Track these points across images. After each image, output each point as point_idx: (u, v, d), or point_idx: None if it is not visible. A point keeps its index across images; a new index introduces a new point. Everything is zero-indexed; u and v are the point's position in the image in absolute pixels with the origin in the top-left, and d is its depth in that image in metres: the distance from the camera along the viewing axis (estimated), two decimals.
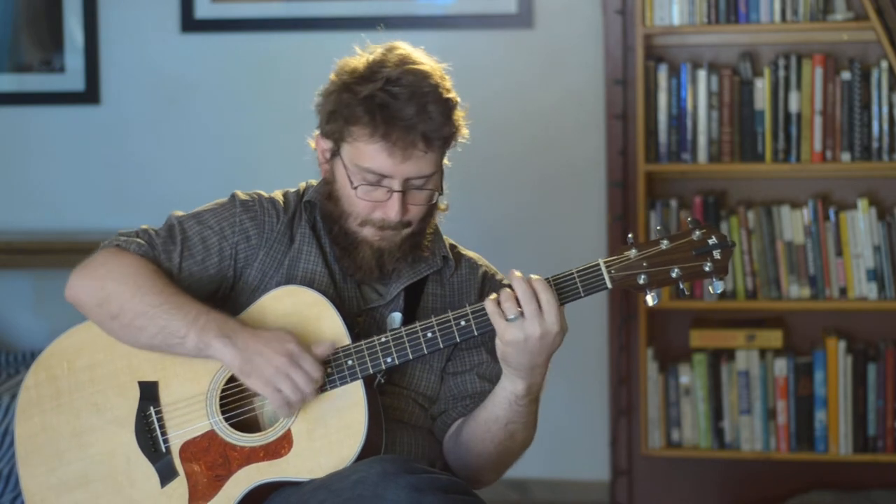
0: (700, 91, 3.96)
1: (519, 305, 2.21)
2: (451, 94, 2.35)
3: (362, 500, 2.12)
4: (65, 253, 4.19)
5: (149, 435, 2.35)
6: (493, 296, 2.24)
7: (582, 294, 2.25)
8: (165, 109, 4.39)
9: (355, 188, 2.33)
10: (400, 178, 2.31)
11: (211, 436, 2.32)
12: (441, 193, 2.39)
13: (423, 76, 2.32)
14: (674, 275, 2.24)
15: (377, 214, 2.34)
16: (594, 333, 4.22)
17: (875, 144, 3.90)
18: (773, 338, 3.99)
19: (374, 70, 2.33)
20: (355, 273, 2.40)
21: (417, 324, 2.29)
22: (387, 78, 2.31)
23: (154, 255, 2.40)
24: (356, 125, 2.31)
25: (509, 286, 2.24)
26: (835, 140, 3.92)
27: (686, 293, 2.28)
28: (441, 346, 2.28)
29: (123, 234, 2.44)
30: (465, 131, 2.38)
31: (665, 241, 2.25)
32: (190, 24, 4.34)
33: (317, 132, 2.42)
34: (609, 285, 2.25)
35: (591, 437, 4.27)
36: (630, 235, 2.28)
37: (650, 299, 2.25)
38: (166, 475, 2.33)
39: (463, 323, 2.26)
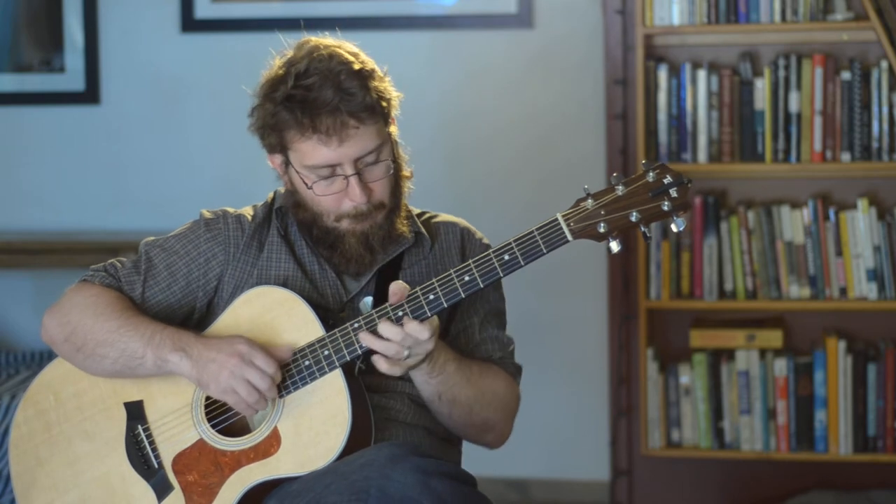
0: (700, 91, 3.96)
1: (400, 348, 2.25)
2: (364, 65, 2.35)
3: (369, 481, 2.12)
4: (65, 253, 4.19)
5: (140, 453, 2.37)
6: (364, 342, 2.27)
7: (545, 251, 2.26)
8: (165, 109, 4.39)
9: (310, 188, 2.34)
10: (348, 161, 2.32)
11: (200, 445, 2.33)
12: (395, 161, 2.39)
13: (330, 58, 2.33)
14: (633, 218, 2.23)
15: (346, 206, 2.35)
16: (594, 333, 4.23)
17: (875, 144, 3.90)
18: (773, 338, 3.99)
19: (284, 72, 2.35)
20: (347, 266, 2.41)
21: (388, 304, 2.29)
22: (296, 74, 2.32)
23: (118, 286, 2.44)
24: (287, 130, 2.33)
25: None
26: (835, 140, 3.92)
27: (649, 236, 2.25)
28: None
29: (92, 269, 2.48)
30: (393, 93, 2.38)
31: (620, 187, 2.24)
32: (190, 24, 4.34)
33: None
34: (570, 238, 2.26)
35: (591, 437, 4.27)
36: (586, 187, 2.28)
37: (614, 246, 2.24)
38: (162, 490, 2.35)
39: (432, 297, 2.27)
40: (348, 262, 2.40)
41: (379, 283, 2.41)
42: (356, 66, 2.33)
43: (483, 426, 2.44)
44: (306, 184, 2.35)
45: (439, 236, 2.49)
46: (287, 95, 2.32)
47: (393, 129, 2.39)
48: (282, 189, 2.50)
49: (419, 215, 2.52)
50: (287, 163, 2.38)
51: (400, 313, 2.27)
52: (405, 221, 2.44)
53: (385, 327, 2.25)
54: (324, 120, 2.30)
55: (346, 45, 2.37)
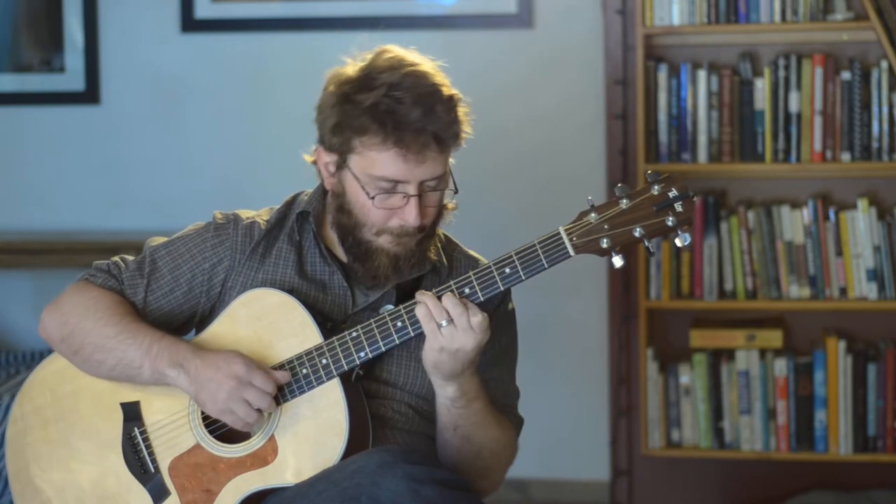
0: (700, 91, 3.96)
1: (450, 315, 2.22)
2: (453, 91, 2.32)
3: (360, 489, 2.11)
4: (65, 253, 4.19)
5: (136, 456, 2.36)
6: (423, 299, 2.23)
7: (546, 266, 2.22)
8: (165, 109, 4.39)
9: (373, 198, 2.29)
10: (415, 182, 2.28)
11: (197, 450, 2.32)
12: (456, 192, 2.36)
13: (423, 76, 2.29)
14: (637, 234, 2.20)
15: (394, 222, 2.30)
16: (594, 333, 4.22)
17: (875, 144, 3.90)
18: (773, 338, 3.99)
19: (371, 77, 2.29)
20: (369, 282, 2.37)
21: (386, 314, 2.27)
22: (388, 84, 2.27)
23: (120, 288, 2.42)
24: (365, 135, 2.27)
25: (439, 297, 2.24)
26: (835, 140, 3.92)
27: (652, 252, 2.22)
28: (412, 333, 2.27)
29: (96, 267, 2.46)
30: (468, 128, 2.35)
31: (625, 200, 2.20)
32: (190, 24, 4.34)
33: (315, 147, 2.39)
34: (572, 253, 2.22)
35: (591, 437, 4.27)
36: (590, 198, 2.24)
37: (617, 261, 2.21)
38: (158, 495, 2.34)
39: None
40: (373, 278, 2.35)
41: (399, 295, 2.37)
42: (446, 92, 2.30)
43: (483, 472, 2.41)
44: (367, 192, 2.29)
45: (458, 269, 2.45)
46: (376, 102, 2.26)
47: (451, 159, 2.36)
48: (305, 194, 2.47)
49: (446, 244, 2.48)
50: (343, 165, 2.32)
51: (399, 324, 2.25)
52: (434, 248, 2.41)
53: (447, 298, 2.22)
54: (409, 136, 2.25)
55: (434, 66, 2.33)
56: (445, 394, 2.30)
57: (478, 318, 2.22)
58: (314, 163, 2.40)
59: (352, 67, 2.33)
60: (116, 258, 2.47)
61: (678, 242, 2.21)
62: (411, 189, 2.28)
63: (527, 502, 4.32)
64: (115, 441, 2.37)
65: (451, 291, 2.24)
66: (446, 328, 2.22)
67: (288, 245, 2.42)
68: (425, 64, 2.32)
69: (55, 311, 2.41)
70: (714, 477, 4.14)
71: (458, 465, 2.38)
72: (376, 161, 2.27)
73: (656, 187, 2.21)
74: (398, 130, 2.25)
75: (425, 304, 2.23)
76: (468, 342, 2.22)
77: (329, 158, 2.34)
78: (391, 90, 2.26)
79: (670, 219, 2.20)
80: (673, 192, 2.20)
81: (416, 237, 2.33)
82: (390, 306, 2.35)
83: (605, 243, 2.21)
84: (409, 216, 2.29)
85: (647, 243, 2.21)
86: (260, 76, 4.36)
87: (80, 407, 2.40)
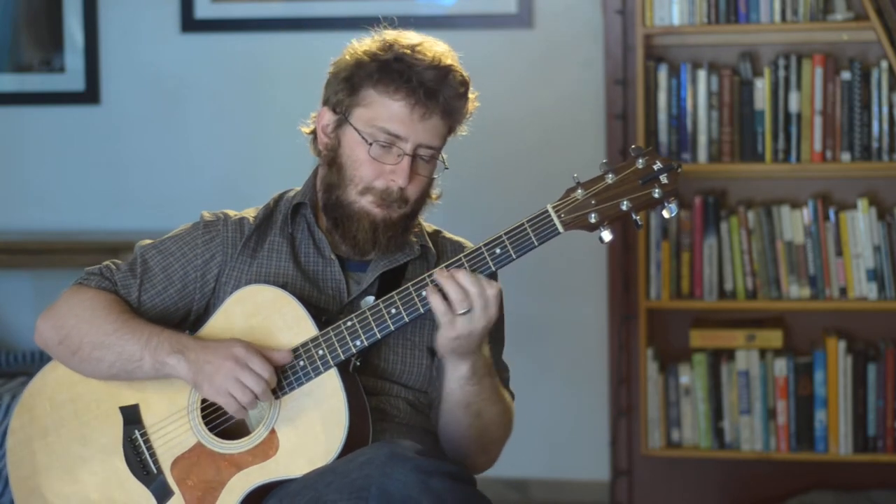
0: (700, 91, 3.96)
1: (467, 298, 2.22)
2: (467, 76, 2.39)
3: (370, 479, 2.11)
4: (65, 253, 4.19)
5: (138, 458, 2.36)
6: (442, 281, 2.23)
7: (536, 243, 2.25)
8: (165, 109, 4.39)
9: (370, 145, 2.32)
10: (413, 142, 2.32)
11: (199, 448, 2.32)
12: (446, 167, 2.40)
13: (442, 54, 2.36)
14: (624, 207, 2.23)
15: (380, 182, 2.34)
16: (594, 333, 4.22)
17: (875, 144, 3.90)
18: (773, 338, 3.99)
19: (392, 42, 2.36)
20: (349, 249, 2.39)
21: (380, 301, 2.28)
22: (409, 46, 2.34)
23: (114, 289, 2.43)
24: (379, 84, 2.33)
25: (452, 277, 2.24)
26: (835, 140, 3.92)
27: (640, 224, 2.24)
28: (406, 319, 2.28)
29: (87, 272, 2.47)
30: (470, 114, 2.41)
31: (610, 175, 2.24)
32: (190, 24, 4.34)
33: (314, 114, 2.44)
34: (561, 230, 2.25)
35: (591, 437, 4.27)
36: (575, 175, 2.27)
37: (606, 235, 2.24)
38: (162, 496, 2.34)
39: (424, 293, 2.26)
40: (352, 244, 2.38)
41: (381, 287, 2.39)
42: (460, 73, 2.37)
43: (488, 446, 2.44)
44: (366, 140, 2.33)
45: (445, 254, 2.48)
46: (396, 57, 2.32)
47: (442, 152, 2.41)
48: (293, 191, 2.49)
49: (431, 232, 2.51)
50: (344, 122, 2.36)
51: (393, 310, 2.26)
52: (416, 233, 2.44)
53: (463, 274, 2.23)
54: (421, 92, 2.31)
55: (449, 50, 2.40)
56: (459, 373, 2.32)
57: (493, 290, 2.24)
58: (311, 133, 2.45)
59: (372, 39, 2.39)
60: (107, 262, 2.48)
61: (665, 214, 2.24)
62: (408, 147, 2.32)
63: (527, 502, 4.32)
64: (116, 445, 2.38)
65: (460, 267, 2.24)
66: (462, 317, 2.23)
67: (280, 237, 2.44)
68: (445, 47, 2.39)
69: (50, 316, 2.42)
70: (714, 477, 4.14)
71: (461, 441, 2.40)
72: (382, 110, 2.33)
73: (641, 161, 2.23)
74: (411, 82, 2.31)
75: (438, 296, 2.23)
76: (482, 320, 2.24)
77: (330, 119, 2.39)
78: (413, 50, 2.33)
79: (656, 191, 2.23)
80: (658, 165, 2.23)
81: (398, 208, 2.35)
82: (370, 297, 2.37)
83: (593, 218, 2.23)
84: (399, 174, 2.32)
85: (634, 216, 2.24)
86: (260, 76, 4.36)
87: (79, 414, 2.41)
